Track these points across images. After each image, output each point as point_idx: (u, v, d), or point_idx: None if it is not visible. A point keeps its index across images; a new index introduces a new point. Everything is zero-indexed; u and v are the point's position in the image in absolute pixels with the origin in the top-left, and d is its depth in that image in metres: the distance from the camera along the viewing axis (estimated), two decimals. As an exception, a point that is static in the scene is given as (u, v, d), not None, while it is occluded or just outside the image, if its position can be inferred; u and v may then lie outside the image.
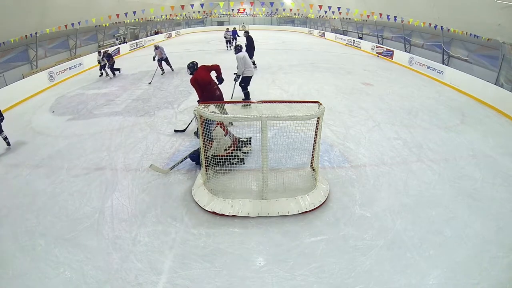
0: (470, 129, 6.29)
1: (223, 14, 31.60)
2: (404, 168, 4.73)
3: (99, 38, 16.47)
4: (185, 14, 26.76)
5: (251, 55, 10.83)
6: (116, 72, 11.05)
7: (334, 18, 21.43)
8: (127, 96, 8.46)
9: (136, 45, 18.21)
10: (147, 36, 21.51)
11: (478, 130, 6.23)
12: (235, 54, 6.76)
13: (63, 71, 10.73)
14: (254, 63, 11.13)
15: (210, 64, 5.46)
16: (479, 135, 5.96)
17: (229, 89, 6.90)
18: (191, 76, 5.29)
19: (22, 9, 8.73)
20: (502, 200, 3.97)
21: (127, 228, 3.48)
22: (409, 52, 13.73)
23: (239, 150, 4.74)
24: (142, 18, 19.16)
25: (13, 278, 2.88)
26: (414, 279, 2.82)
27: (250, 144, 5.05)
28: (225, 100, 5.80)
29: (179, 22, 28.92)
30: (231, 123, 5.37)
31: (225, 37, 16.37)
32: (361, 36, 18.87)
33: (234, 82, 6.81)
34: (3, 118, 5.48)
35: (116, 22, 16.27)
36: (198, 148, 4.33)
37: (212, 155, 4.09)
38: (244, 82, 6.88)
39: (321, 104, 3.75)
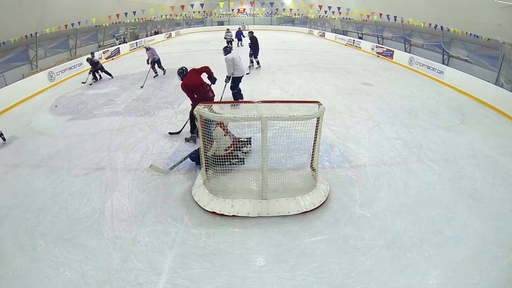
0: (470, 129, 6.29)
1: (223, 14, 31.61)
2: (404, 168, 4.73)
3: (99, 38, 16.47)
4: (185, 14, 26.77)
5: (255, 55, 10.94)
6: (104, 75, 10.57)
7: (334, 18, 21.43)
8: (127, 96, 8.46)
9: (136, 45, 18.20)
10: (147, 36, 21.52)
11: (478, 130, 6.23)
12: (224, 55, 6.79)
13: (63, 71, 10.73)
14: (258, 63, 11.22)
15: (199, 67, 5.46)
16: (479, 135, 5.96)
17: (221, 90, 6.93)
18: (181, 82, 5.27)
19: (22, 9, 8.73)
20: (502, 200, 3.97)
21: (127, 228, 3.48)
22: (409, 52, 13.73)
23: (239, 150, 4.74)
24: (142, 18, 19.16)
25: (13, 278, 2.88)
26: (414, 279, 2.82)
27: (250, 144, 5.05)
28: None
29: (179, 22, 28.93)
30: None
31: (225, 38, 15.90)
32: (361, 36, 18.87)
33: (225, 83, 6.83)
34: None
35: (116, 22, 16.27)
36: (198, 148, 4.33)
37: (212, 155, 4.09)
38: (234, 82, 6.93)
39: (321, 104, 3.75)
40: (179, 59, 13.91)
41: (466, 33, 9.84)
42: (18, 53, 10.71)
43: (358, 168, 4.70)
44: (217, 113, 3.59)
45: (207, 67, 5.50)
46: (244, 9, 30.89)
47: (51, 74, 10.00)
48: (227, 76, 6.80)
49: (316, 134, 3.87)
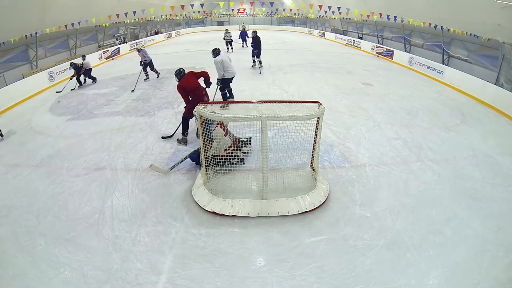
0: (470, 129, 6.30)
1: (223, 14, 31.60)
2: (404, 168, 4.73)
3: (99, 38, 16.46)
4: (185, 14, 26.76)
5: (258, 55, 11.03)
6: (88, 80, 10.12)
7: (334, 18, 21.43)
8: (127, 96, 8.46)
9: (136, 45, 18.18)
10: (147, 36, 21.53)
11: (478, 130, 6.23)
12: (213, 58, 6.78)
13: (63, 71, 10.73)
14: (260, 62, 11.27)
15: (198, 71, 5.53)
16: (479, 135, 5.96)
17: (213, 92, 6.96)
18: (177, 83, 5.29)
19: (22, 9, 8.73)
20: (502, 200, 3.97)
21: (127, 228, 3.48)
22: (409, 52, 13.73)
23: (239, 150, 4.74)
24: (142, 18, 19.16)
25: (13, 278, 2.88)
26: (414, 279, 2.82)
27: (250, 144, 5.05)
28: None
29: (179, 22, 28.93)
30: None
31: (224, 39, 15.54)
32: (361, 36, 18.87)
33: (216, 86, 6.85)
34: None
35: (116, 22, 16.26)
36: (198, 148, 4.33)
37: (212, 155, 4.09)
38: (224, 83, 6.94)
39: (321, 104, 3.75)
40: (179, 59, 13.92)
41: (466, 33, 9.84)
42: (18, 53, 10.71)
43: (358, 168, 4.70)
44: (217, 113, 3.58)
45: (206, 72, 5.57)
46: (244, 9, 30.90)
47: (51, 74, 10.01)
48: (218, 79, 6.81)
49: (316, 134, 3.87)
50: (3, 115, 7.39)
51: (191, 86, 5.18)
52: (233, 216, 3.60)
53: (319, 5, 19.82)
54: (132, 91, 8.92)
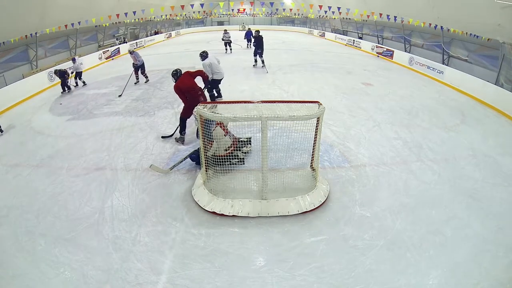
0: (470, 129, 6.30)
1: (223, 14, 31.60)
2: (404, 168, 4.73)
3: (99, 38, 16.46)
4: (185, 14, 26.77)
5: (261, 54, 11.15)
6: (79, 83, 9.87)
7: (334, 18, 21.43)
8: (127, 96, 8.46)
9: (136, 45, 18.20)
10: (147, 36, 21.52)
11: (478, 130, 6.23)
12: (202, 61, 6.81)
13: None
14: (263, 62, 11.35)
15: (194, 70, 5.57)
16: (479, 135, 5.96)
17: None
18: (174, 84, 5.33)
19: (22, 9, 8.73)
20: (502, 200, 3.97)
21: (127, 228, 3.48)
22: (409, 52, 13.73)
23: (239, 150, 4.74)
24: (142, 18, 19.16)
25: (13, 278, 2.88)
26: (414, 279, 2.82)
27: (250, 144, 5.05)
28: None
29: (179, 22, 28.93)
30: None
31: (223, 40, 15.20)
32: (361, 36, 18.87)
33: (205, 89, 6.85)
34: None
35: (116, 22, 16.26)
36: (198, 148, 4.33)
37: (212, 155, 4.09)
38: (212, 85, 7.00)
39: (321, 104, 3.75)
40: (179, 59, 13.91)
41: (466, 33, 9.84)
42: (18, 53, 10.71)
43: (358, 168, 4.70)
44: (217, 113, 3.58)
45: (202, 71, 5.61)
46: (244, 9, 30.91)
47: (51, 74, 9.99)
48: (207, 80, 6.77)
49: (316, 134, 3.87)
50: (3, 115, 7.39)
51: (186, 87, 5.21)
52: (233, 216, 3.60)
53: (319, 5, 19.82)
54: (120, 96, 8.43)
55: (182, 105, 7.54)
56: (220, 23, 32.13)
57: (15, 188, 4.32)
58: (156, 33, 22.89)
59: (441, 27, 10.77)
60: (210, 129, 4.06)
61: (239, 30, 28.66)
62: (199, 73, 5.60)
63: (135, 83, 9.65)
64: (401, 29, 14.49)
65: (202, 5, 27.02)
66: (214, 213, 3.65)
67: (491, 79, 8.76)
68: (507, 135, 6.14)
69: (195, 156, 4.60)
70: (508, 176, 4.53)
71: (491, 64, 9.46)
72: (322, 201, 3.80)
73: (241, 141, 4.89)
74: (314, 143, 4.03)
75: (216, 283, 2.81)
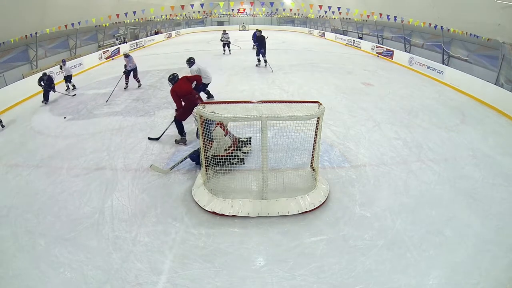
0: (470, 129, 6.29)
1: (223, 14, 31.60)
2: (404, 168, 4.73)
3: (99, 38, 16.47)
4: (185, 14, 26.76)
5: (264, 54, 11.36)
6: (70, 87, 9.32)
7: (334, 18, 21.42)
8: (127, 96, 8.46)
9: (136, 45, 18.22)
10: (147, 36, 21.52)
11: (478, 130, 6.23)
12: (189, 67, 6.84)
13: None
14: (265, 61, 11.54)
15: (191, 75, 5.66)
16: (479, 135, 5.96)
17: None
18: (171, 88, 5.32)
19: (22, 9, 8.73)
20: (502, 200, 3.97)
21: (127, 228, 3.48)
22: (409, 52, 13.73)
23: (239, 150, 4.74)
24: (142, 18, 19.16)
25: (13, 278, 2.88)
26: (414, 279, 2.82)
27: (250, 144, 5.05)
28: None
29: (179, 22, 28.92)
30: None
31: (222, 41, 14.60)
32: (361, 36, 18.87)
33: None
34: None
35: (116, 22, 16.26)
36: (198, 148, 4.33)
37: (212, 155, 4.09)
38: (201, 88, 6.93)
39: (321, 104, 3.75)
40: (179, 59, 13.87)
41: (466, 33, 9.84)
42: (18, 53, 10.71)
43: (358, 168, 4.70)
44: (217, 113, 3.58)
45: (199, 76, 5.71)
46: (244, 9, 30.92)
47: (51, 74, 9.98)
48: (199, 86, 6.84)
49: (316, 134, 3.87)
50: (3, 115, 7.37)
51: (183, 91, 5.23)
52: (233, 216, 3.60)
53: (319, 5, 19.83)
54: (106, 101, 8.04)
55: (182, 105, 7.62)
56: (220, 23, 32.13)
57: (15, 188, 4.32)
58: (156, 33, 22.88)
59: (441, 27, 10.77)
60: (210, 129, 4.06)
61: (239, 30, 28.71)
62: (196, 78, 5.69)
63: (125, 89, 9.06)
64: (401, 29, 14.49)
65: (202, 5, 27.02)
66: (214, 213, 3.65)
67: (491, 79, 8.76)
68: (507, 135, 6.13)
69: (195, 156, 4.60)
70: (508, 176, 4.53)
71: (491, 64, 9.46)
72: (322, 201, 3.80)
73: (241, 141, 4.89)
74: (314, 143, 4.03)
75: (216, 283, 2.81)
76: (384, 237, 3.32)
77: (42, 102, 8.19)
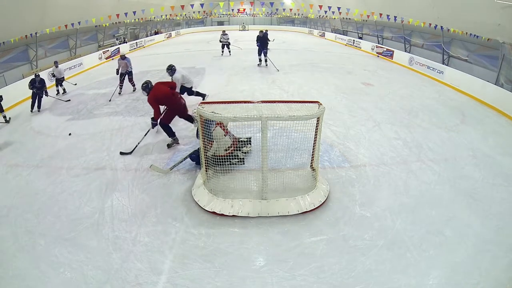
0: (470, 129, 6.29)
1: (223, 14, 31.60)
2: (404, 168, 4.73)
3: (99, 38, 16.47)
4: (185, 14, 26.76)
5: (266, 53, 11.61)
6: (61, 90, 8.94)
7: (334, 18, 21.42)
8: (127, 96, 8.46)
9: (136, 45, 18.22)
10: (147, 36, 21.52)
11: (478, 130, 6.23)
12: (171, 75, 6.60)
13: (54, 73, 10.70)
14: (266, 61, 11.71)
15: (166, 81, 5.58)
16: (479, 135, 5.96)
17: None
18: (147, 96, 5.07)
19: (22, 9, 8.73)
20: (502, 200, 3.97)
21: (127, 228, 3.48)
22: (409, 52, 13.73)
23: (239, 150, 4.74)
24: (142, 18, 19.16)
25: (13, 278, 2.88)
26: (414, 279, 2.82)
27: (250, 144, 5.05)
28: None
29: (179, 22, 28.92)
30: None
31: (221, 41, 14.19)
32: (361, 36, 18.87)
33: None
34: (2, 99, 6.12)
35: (116, 22, 16.26)
36: (198, 148, 4.33)
37: (212, 155, 4.09)
38: (182, 91, 6.77)
39: (321, 104, 3.75)
40: (179, 59, 13.90)
41: (466, 33, 9.84)
42: (18, 53, 10.71)
43: (358, 168, 4.70)
44: (217, 113, 3.58)
45: (174, 82, 5.64)
46: (244, 9, 30.93)
47: (51, 74, 9.98)
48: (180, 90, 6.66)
49: (316, 134, 3.87)
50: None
51: (164, 94, 5.06)
52: (233, 216, 3.60)
53: (319, 5, 19.83)
54: (109, 100, 8.05)
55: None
56: (220, 23, 32.14)
57: (15, 188, 4.32)
58: (156, 33, 22.89)
59: (441, 27, 10.77)
60: (210, 129, 4.06)
61: (239, 30, 28.72)
62: (172, 84, 5.46)
63: (119, 93, 8.58)
64: (401, 29, 14.49)
65: (202, 5, 27.02)
66: (214, 213, 3.65)
67: (491, 79, 8.76)
68: (507, 135, 6.13)
69: (195, 156, 4.60)
70: (508, 176, 4.53)
71: (491, 64, 9.46)
72: (322, 201, 3.80)
73: (241, 141, 4.89)
74: (314, 143, 4.03)
75: (216, 283, 2.81)
76: (384, 237, 3.32)
77: (32, 111, 7.35)
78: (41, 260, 3.05)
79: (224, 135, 4.41)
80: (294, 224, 3.51)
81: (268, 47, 15.80)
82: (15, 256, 3.12)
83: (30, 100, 7.48)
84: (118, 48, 15.70)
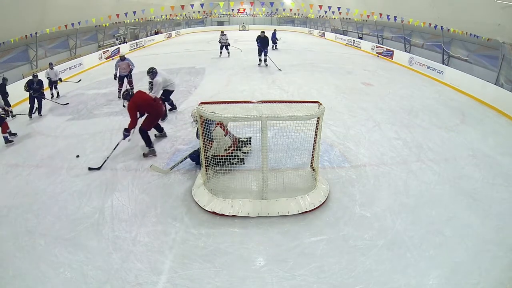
0: (470, 129, 6.30)
1: (223, 14, 31.60)
2: (404, 168, 4.73)
3: (99, 38, 16.47)
4: (185, 14, 26.76)
5: (266, 53, 11.78)
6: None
7: (334, 18, 21.42)
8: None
9: (136, 45, 18.22)
10: (147, 36, 21.52)
11: (478, 130, 6.23)
12: (152, 79, 6.11)
13: (63, 71, 10.71)
14: (265, 61, 11.87)
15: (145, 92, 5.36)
16: (479, 135, 5.96)
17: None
18: (128, 103, 4.91)
19: (22, 9, 8.73)
20: (502, 200, 3.97)
21: (127, 228, 3.48)
22: (409, 52, 13.73)
23: (239, 150, 4.74)
24: (142, 18, 19.16)
25: (13, 278, 2.88)
26: (414, 279, 2.82)
27: (250, 144, 5.05)
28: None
29: (179, 22, 28.93)
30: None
31: (220, 42, 13.87)
32: (361, 36, 18.87)
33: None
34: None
35: (116, 22, 16.26)
36: (198, 148, 4.33)
37: (212, 155, 4.09)
38: (165, 96, 6.52)
39: (321, 104, 3.75)
40: (180, 59, 13.92)
41: (466, 33, 9.84)
42: (18, 53, 10.70)
43: (358, 168, 4.70)
44: (217, 113, 3.58)
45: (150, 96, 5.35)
46: (244, 9, 30.93)
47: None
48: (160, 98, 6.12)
49: (316, 134, 3.87)
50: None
51: (145, 100, 5.02)
52: (233, 216, 3.60)
53: (319, 5, 19.83)
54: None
55: (183, 104, 7.62)
56: (220, 23, 32.15)
57: (15, 188, 4.32)
58: (156, 33, 22.89)
59: (441, 27, 10.77)
60: (210, 129, 4.06)
61: (239, 30, 28.71)
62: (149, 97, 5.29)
63: (118, 97, 8.09)
64: (401, 29, 14.49)
65: (202, 5, 27.02)
66: (214, 213, 3.65)
67: (491, 79, 8.76)
68: (507, 135, 6.13)
69: (195, 156, 4.60)
70: (508, 176, 4.53)
71: (491, 64, 9.46)
72: (322, 201, 3.80)
73: (241, 141, 4.89)
74: (314, 143, 4.03)
75: (216, 283, 2.81)
76: (384, 237, 3.32)
77: (31, 116, 6.87)
78: (41, 260, 3.05)
79: (224, 135, 4.41)
80: (294, 224, 3.51)
81: (277, 47, 16.09)
82: (15, 256, 3.11)
83: (28, 103, 7.02)
84: (118, 48, 15.70)
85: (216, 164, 4.08)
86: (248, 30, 28.40)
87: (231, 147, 4.53)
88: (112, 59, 14.66)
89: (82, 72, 11.96)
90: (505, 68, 8.56)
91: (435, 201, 3.93)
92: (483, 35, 9.19)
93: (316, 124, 3.79)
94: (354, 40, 18.41)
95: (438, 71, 10.55)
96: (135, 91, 5.49)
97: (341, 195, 4.02)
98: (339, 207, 3.80)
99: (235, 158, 4.58)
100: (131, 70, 8.25)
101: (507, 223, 3.56)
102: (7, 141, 5.67)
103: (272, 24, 31.89)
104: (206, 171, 4.10)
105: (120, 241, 3.29)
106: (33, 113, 7.05)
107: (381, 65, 12.89)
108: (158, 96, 5.96)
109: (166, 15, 21.55)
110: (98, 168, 4.76)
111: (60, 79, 8.51)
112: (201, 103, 3.85)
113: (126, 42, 17.76)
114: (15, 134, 5.99)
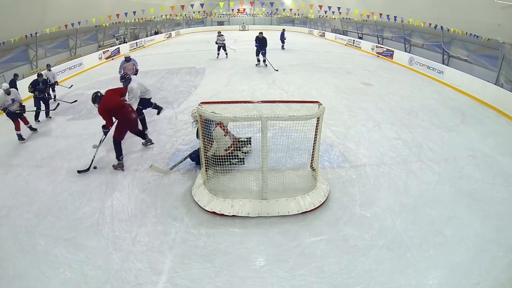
0: (470, 129, 6.29)
1: (223, 14, 31.61)
2: (404, 168, 4.73)
3: (99, 38, 16.47)
4: (185, 14, 26.77)
5: (264, 54, 11.76)
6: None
7: (334, 18, 21.43)
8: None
9: (136, 45, 18.21)
10: (147, 36, 21.52)
11: (478, 130, 6.23)
12: (125, 85, 5.38)
13: (63, 71, 10.73)
14: (264, 61, 11.86)
15: (117, 87, 4.98)
16: (479, 135, 5.96)
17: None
18: (98, 106, 4.54)
19: (22, 9, 8.73)
20: (502, 200, 3.97)
21: (127, 228, 3.48)
22: (409, 52, 13.73)
23: (239, 150, 4.74)
24: (142, 18, 19.17)
25: (13, 278, 2.88)
26: (414, 279, 2.82)
27: (250, 144, 5.05)
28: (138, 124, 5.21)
29: (179, 22, 28.94)
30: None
31: (217, 43, 13.48)
32: (361, 36, 18.87)
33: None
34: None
35: (116, 22, 16.26)
36: (198, 148, 4.33)
37: (212, 155, 4.09)
38: (142, 105, 5.79)
39: (321, 104, 3.75)
40: (180, 59, 13.92)
41: (466, 33, 9.85)
42: (18, 53, 10.72)
43: (358, 168, 4.70)
44: (217, 113, 3.58)
45: (125, 89, 5.08)
46: (244, 9, 30.93)
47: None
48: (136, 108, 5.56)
49: (316, 134, 3.87)
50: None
51: (113, 104, 4.55)
52: (233, 216, 3.60)
53: (319, 5, 19.83)
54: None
55: (183, 104, 7.61)
56: (220, 23, 32.15)
57: (15, 188, 4.32)
58: (156, 33, 22.89)
59: (441, 27, 10.77)
60: (210, 129, 4.06)
61: (239, 30, 28.72)
62: (123, 90, 4.98)
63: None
64: (401, 29, 14.49)
65: (202, 5, 27.03)
66: (214, 213, 3.65)
67: (491, 79, 8.76)
68: (507, 135, 6.14)
69: (195, 156, 4.60)
70: (508, 176, 4.53)
71: (491, 64, 9.46)
72: (322, 201, 3.80)
73: (241, 141, 4.89)
74: (314, 143, 4.03)
75: (216, 283, 2.81)
76: (384, 237, 3.32)
77: (38, 119, 6.62)
78: (41, 260, 3.05)
79: (224, 135, 4.41)
80: (294, 224, 3.51)
81: (284, 47, 16.07)
82: (15, 256, 3.11)
83: (34, 106, 6.67)
84: (118, 48, 15.69)
85: (216, 164, 4.08)
86: (248, 30, 28.40)
87: (231, 147, 4.53)
88: (112, 59, 14.67)
89: (82, 72, 11.95)
90: (505, 68, 8.57)
91: (435, 201, 3.93)
92: (483, 35, 9.20)
93: (316, 124, 3.79)
94: (354, 40, 18.41)
95: (438, 71, 10.55)
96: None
97: (341, 195, 4.02)
98: (339, 207, 3.80)
99: (235, 158, 4.58)
100: (136, 71, 7.82)
101: (507, 223, 3.56)
102: (20, 138, 5.80)
103: (272, 24, 31.95)
104: (206, 171, 4.10)
105: (120, 241, 3.29)
106: (39, 117, 6.75)
107: (381, 65, 12.90)
108: (136, 103, 5.46)
109: (166, 15, 21.56)
110: (87, 170, 4.68)
111: (56, 82, 8.12)
112: (201, 103, 3.85)
113: (126, 42, 17.75)
114: (35, 130, 6.21)
